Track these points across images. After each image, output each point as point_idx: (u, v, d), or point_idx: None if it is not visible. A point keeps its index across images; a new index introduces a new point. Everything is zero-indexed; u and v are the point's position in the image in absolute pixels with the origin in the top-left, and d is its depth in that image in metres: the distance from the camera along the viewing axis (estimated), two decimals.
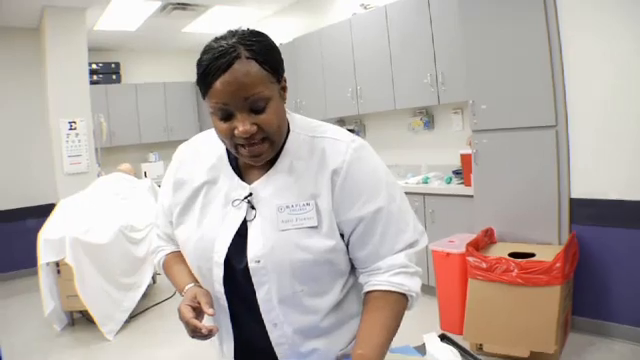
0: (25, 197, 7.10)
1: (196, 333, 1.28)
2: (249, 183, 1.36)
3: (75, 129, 6.53)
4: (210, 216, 1.36)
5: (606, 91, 3.68)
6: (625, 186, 3.66)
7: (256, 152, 1.26)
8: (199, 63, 1.23)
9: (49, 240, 4.53)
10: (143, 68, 9.51)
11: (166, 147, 9.49)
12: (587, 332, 3.85)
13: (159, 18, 7.47)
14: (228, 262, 1.32)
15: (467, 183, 4.66)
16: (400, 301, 1.31)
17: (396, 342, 1.33)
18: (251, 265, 1.29)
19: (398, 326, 1.30)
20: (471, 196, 4.41)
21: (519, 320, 3.42)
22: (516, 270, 3.45)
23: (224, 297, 1.35)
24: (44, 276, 4.62)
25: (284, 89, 1.30)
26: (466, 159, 4.63)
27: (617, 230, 3.72)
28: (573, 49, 3.78)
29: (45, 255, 4.54)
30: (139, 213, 5.39)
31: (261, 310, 1.32)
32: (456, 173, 5.06)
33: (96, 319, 4.62)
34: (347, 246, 1.35)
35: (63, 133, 6.49)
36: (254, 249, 1.29)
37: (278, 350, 1.35)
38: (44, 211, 5.49)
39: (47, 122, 6.72)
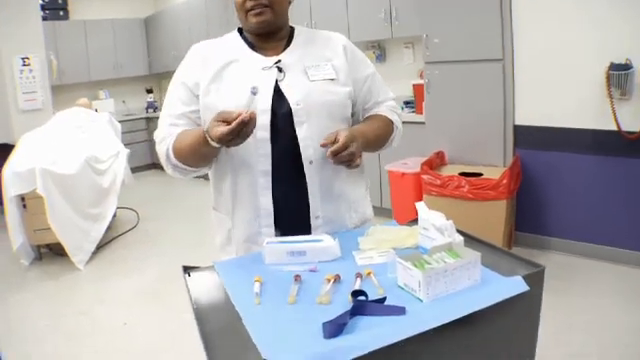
0: None
1: (243, 130, 1.38)
2: None
3: (29, 65, 6.43)
4: (245, 79, 1.58)
5: (549, 29, 3.99)
6: (561, 115, 4.04)
7: (260, 12, 1.58)
8: None
9: (18, 172, 4.57)
10: (91, 4, 9.27)
11: (116, 84, 9.45)
12: (528, 246, 4.28)
13: None
14: (271, 110, 1.57)
15: (419, 111, 4.96)
16: (389, 123, 1.76)
17: None
18: (293, 107, 1.57)
19: (383, 134, 1.75)
20: (422, 123, 4.72)
21: (469, 231, 3.75)
22: (467, 186, 3.81)
23: (268, 144, 1.56)
24: (10, 211, 4.66)
25: None
26: (418, 89, 4.91)
27: (555, 154, 4.12)
28: None
29: (14, 188, 4.59)
30: (102, 145, 5.47)
31: (300, 147, 1.58)
32: (407, 103, 5.34)
33: (68, 249, 4.73)
34: (356, 100, 1.76)
35: (16, 70, 6.38)
36: (293, 95, 1.59)
37: (311, 189, 1.61)
38: None
39: None
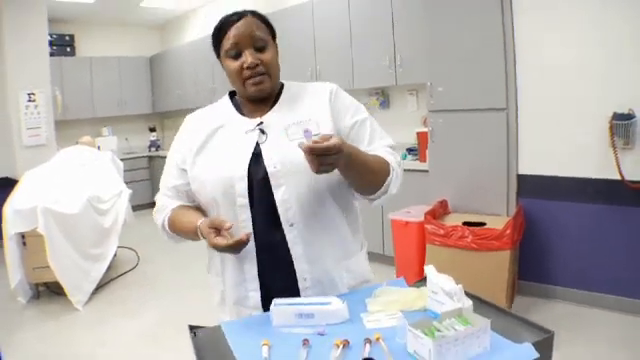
0: None
1: (238, 248, 1.48)
2: None
3: (34, 101, 6.47)
4: (227, 147, 1.64)
5: (553, 79, 4.04)
6: (565, 164, 4.06)
7: (259, 81, 1.61)
8: (216, 26, 1.65)
9: (19, 210, 4.55)
10: (98, 41, 9.42)
11: (120, 121, 9.51)
12: (532, 295, 4.26)
13: None
14: (248, 176, 1.58)
15: (422, 159, 4.98)
16: (384, 163, 1.62)
17: None
18: (270, 170, 1.56)
19: (375, 167, 1.59)
20: (426, 171, 4.73)
21: (473, 282, 3.73)
22: (470, 236, 3.80)
23: (248, 210, 1.58)
24: (10, 248, 4.62)
25: (277, 52, 1.69)
26: (422, 137, 4.94)
27: (558, 203, 4.12)
28: (524, 39, 4.12)
29: (14, 226, 4.56)
30: (104, 184, 5.47)
31: (279, 210, 1.57)
32: (410, 150, 5.37)
33: (66, 289, 4.68)
34: None
35: (21, 105, 6.41)
36: (270, 157, 1.58)
37: (294, 252, 1.59)
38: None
39: (4, 94, 6.56)
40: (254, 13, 1.66)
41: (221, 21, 1.64)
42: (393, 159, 1.65)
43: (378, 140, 1.69)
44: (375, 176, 1.59)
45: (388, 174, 1.61)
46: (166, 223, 1.74)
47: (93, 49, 9.28)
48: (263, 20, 1.67)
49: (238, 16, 1.62)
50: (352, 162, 1.48)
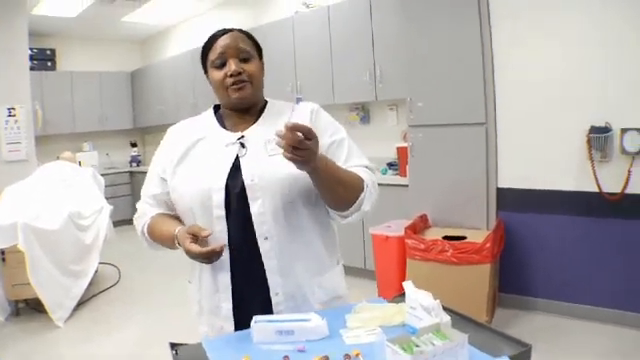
0: None
1: (210, 257, 1.52)
2: None
3: (14, 116, 6.38)
4: (207, 158, 1.67)
5: (530, 94, 4.12)
6: (543, 177, 4.13)
7: (241, 87, 1.65)
8: (205, 42, 1.72)
9: None
10: (79, 56, 9.38)
11: (100, 137, 9.46)
12: (512, 307, 4.29)
13: (102, 6, 7.40)
14: (225, 188, 1.60)
15: (402, 174, 5.02)
16: (358, 179, 1.62)
17: None
18: (247, 183, 1.59)
19: (348, 181, 1.59)
20: (406, 186, 4.76)
21: (454, 295, 3.74)
22: (450, 250, 3.83)
23: (224, 221, 1.60)
24: None
25: (263, 68, 1.75)
26: (402, 151, 4.98)
27: (537, 216, 4.18)
28: (503, 55, 4.20)
29: None
30: (85, 200, 5.44)
31: (254, 224, 1.59)
32: (390, 165, 5.40)
33: (47, 306, 4.61)
34: None
35: (1, 120, 6.32)
36: (248, 171, 1.61)
37: (267, 265, 1.61)
38: None
39: None
40: (241, 30, 1.73)
41: (209, 36, 1.71)
42: (368, 177, 1.65)
43: (355, 159, 1.70)
44: (347, 190, 1.59)
45: (362, 190, 1.61)
46: (145, 229, 1.77)
47: (74, 64, 9.24)
48: (249, 37, 1.73)
49: (225, 31, 1.70)
50: (325, 168, 1.50)
